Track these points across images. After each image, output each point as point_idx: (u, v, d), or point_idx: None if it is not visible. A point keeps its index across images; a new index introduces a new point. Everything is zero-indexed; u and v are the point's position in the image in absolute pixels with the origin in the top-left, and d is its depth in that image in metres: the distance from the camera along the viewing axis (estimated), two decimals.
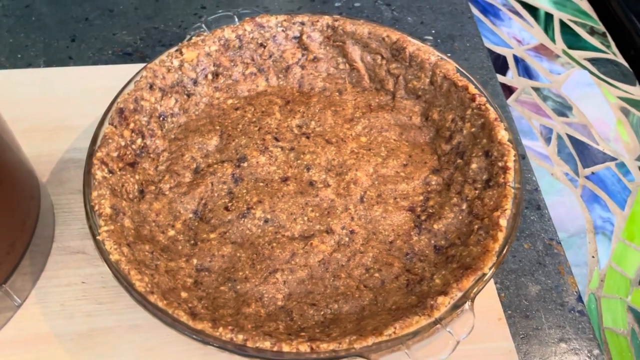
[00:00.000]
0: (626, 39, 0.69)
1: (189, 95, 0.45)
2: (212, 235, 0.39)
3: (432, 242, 0.39)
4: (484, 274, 0.34)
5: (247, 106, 0.46)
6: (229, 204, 0.40)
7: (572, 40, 0.68)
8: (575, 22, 0.70)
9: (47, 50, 0.57)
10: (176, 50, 0.44)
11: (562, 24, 0.69)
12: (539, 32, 0.68)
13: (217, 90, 0.46)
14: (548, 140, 0.58)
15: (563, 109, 0.60)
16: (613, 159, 0.56)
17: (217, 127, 0.44)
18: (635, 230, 0.51)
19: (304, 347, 0.31)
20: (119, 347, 0.37)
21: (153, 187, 0.40)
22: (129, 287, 0.33)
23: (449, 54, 0.60)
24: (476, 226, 0.38)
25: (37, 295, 0.39)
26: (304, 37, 0.47)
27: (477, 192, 0.40)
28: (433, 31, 0.62)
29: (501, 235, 0.36)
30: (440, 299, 0.33)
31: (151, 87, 0.42)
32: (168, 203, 0.40)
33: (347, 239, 0.39)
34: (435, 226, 0.40)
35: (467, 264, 0.35)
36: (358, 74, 0.48)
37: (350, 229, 0.40)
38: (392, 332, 0.31)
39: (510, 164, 0.39)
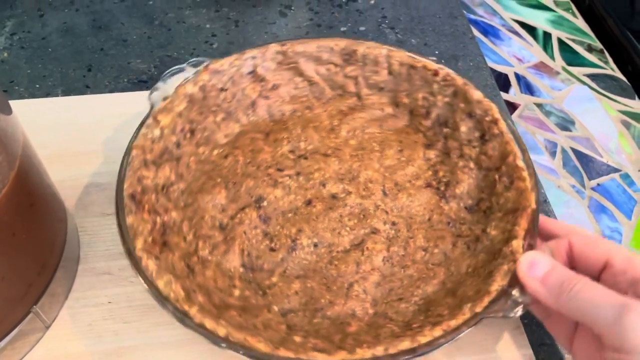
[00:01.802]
0: (623, 55, 0.71)
1: (177, 160, 0.43)
2: (274, 279, 0.39)
3: (461, 205, 0.43)
4: (534, 210, 0.38)
5: (234, 151, 0.46)
6: (272, 245, 0.41)
7: (571, 57, 0.70)
8: (573, 40, 0.72)
9: (64, 79, 0.59)
10: (152, 119, 0.42)
11: (560, 42, 0.72)
12: (538, 51, 0.70)
13: (199, 146, 0.45)
14: (553, 154, 0.59)
15: (566, 123, 0.62)
16: (617, 170, 0.58)
17: (219, 180, 0.43)
18: None
19: (438, 332, 0.33)
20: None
21: (195, 258, 0.39)
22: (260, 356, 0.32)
23: None
24: (496, 176, 0.42)
25: (66, 316, 0.40)
26: (258, 69, 0.47)
27: (477, 149, 0.44)
28: (436, 52, 0.64)
29: (525, 174, 0.40)
30: (514, 242, 0.37)
31: (145, 163, 0.40)
32: (216, 267, 0.39)
33: (392, 231, 0.42)
34: (457, 191, 0.43)
35: (513, 208, 0.39)
36: (318, 87, 0.50)
37: (391, 222, 0.42)
38: (498, 284, 0.35)
39: (498, 115, 0.43)
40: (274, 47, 0.48)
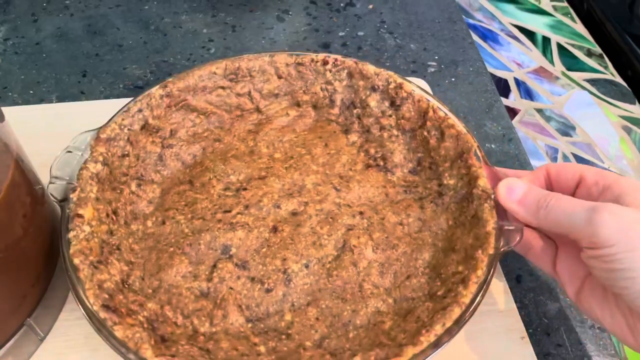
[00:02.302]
0: (623, 60, 0.71)
1: (119, 248, 0.39)
2: (288, 317, 0.37)
3: (405, 170, 0.45)
4: (477, 147, 0.41)
5: (167, 213, 0.42)
6: (266, 286, 0.38)
7: (570, 62, 0.69)
8: (572, 45, 0.72)
9: (58, 85, 0.58)
10: (75, 217, 0.37)
11: (560, 47, 0.71)
12: (537, 56, 0.70)
13: (129, 224, 0.41)
14: (554, 159, 0.59)
15: (566, 129, 0.62)
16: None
17: (172, 249, 0.40)
18: None
19: (473, 287, 0.35)
20: None
21: (202, 338, 0.36)
22: None
23: (453, 79, 0.61)
24: (424, 132, 0.44)
25: (60, 329, 0.39)
26: (149, 120, 0.45)
27: (393, 117, 0.46)
28: (436, 57, 0.64)
29: (452, 120, 0.43)
30: (480, 181, 0.40)
31: (94, 266, 0.36)
32: (226, 335, 0.36)
33: (365, 221, 0.42)
34: (395, 159, 0.45)
35: (457, 154, 0.42)
36: (216, 116, 0.48)
37: (359, 212, 0.42)
38: (492, 222, 0.37)
39: (400, 80, 0.46)
40: (157, 92, 0.45)
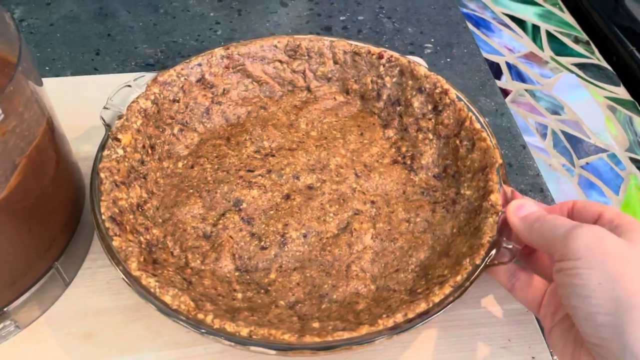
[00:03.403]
0: (608, 47, 0.74)
1: (145, 177, 0.43)
2: (272, 276, 0.40)
3: (430, 174, 0.46)
4: (501, 164, 0.41)
5: (198, 160, 0.46)
6: (262, 243, 0.41)
7: (559, 48, 0.73)
8: (561, 33, 0.75)
9: (73, 63, 0.61)
10: (112, 139, 0.42)
11: (549, 34, 0.75)
12: (528, 42, 0.74)
13: (162, 160, 0.45)
14: (544, 135, 0.62)
15: (555, 108, 0.65)
16: (605, 150, 0.61)
17: (191, 191, 0.43)
18: (631, 212, 0.55)
19: (447, 289, 0.35)
20: (165, 318, 0.39)
21: (189, 270, 0.39)
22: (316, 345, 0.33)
23: (448, 59, 0.65)
24: (457, 141, 0.45)
25: (84, 275, 0.42)
26: (206, 75, 0.48)
27: (432, 120, 0.47)
28: (432, 40, 0.67)
29: (485, 134, 0.43)
30: (492, 196, 0.40)
31: (116, 184, 0.40)
32: (212, 275, 0.39)
33: (374, 210, 0.43)
34: (422, 162, 0.47)
35: (480, 167, 0.42)
36: (268, 86, 0.51)
37: (370, 201, 0.44)
38: (489, 235, 0.37)
39: (447, 86, 0.47)
40: (218, 52, 0.49)
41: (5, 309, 0.37)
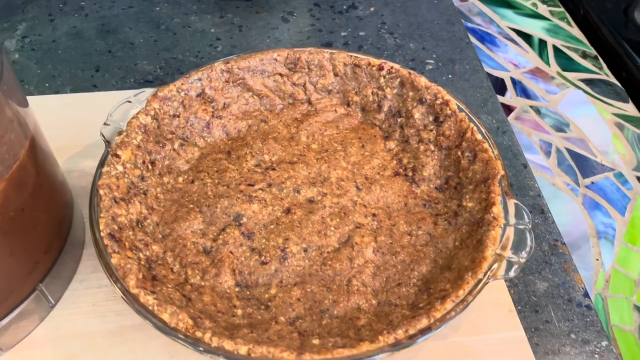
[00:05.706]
0: (618, 62, 0.73)
1: (145, 193, 0.43)
2: (272, 292, 0.39)
3: (432, 185, 0.46)
4: (503, 175, 0.41)
5: (199, 174, 0.46)
6: (262, 258, 0.40)
7: (566, 63, 0.71)
8: (568, 47, 0.74)
9: (73, 79, 0.61)
10: (112, 156, 0.42)
11: (556, 49, 0.73)
12: (534, 57, 0.72)
13: (163, 176, 0.45)
14: (548, 153, 0.60)
15: (561, 125, 0.64)
16: (611, 169, 0.59)
17: (191, 206, 0.43)
18: (637, 234, 0.53)
19: (449, 304, 0.35)
20: (149, 343, 0.39)
21: (189, 287, 0.38)
22: None
23: (450, 75, 0.64)
24: (458, 153, 0.45)
25: (70, 297, 0.41)
26: (206, 89, 0.48)
27: (433, 132, 0.47)
28: (434, 55, 0.66)
29: (486, 145, 0.43)
30: (494, 208, 0.39)
31: (116, 201, 0.40)
32: (212, 291, 0.39)
33: (375, 223, 0.43)
34: (424, 174, 0.46)
35: (482, 178, 0.42)
36: (268, 99, 0.51)
37: (372, 214, 0.43)
38: (491, 249, 0.37)
39: (448, 97, 0.46)
40: (218, 66, 0.49)
41: None
